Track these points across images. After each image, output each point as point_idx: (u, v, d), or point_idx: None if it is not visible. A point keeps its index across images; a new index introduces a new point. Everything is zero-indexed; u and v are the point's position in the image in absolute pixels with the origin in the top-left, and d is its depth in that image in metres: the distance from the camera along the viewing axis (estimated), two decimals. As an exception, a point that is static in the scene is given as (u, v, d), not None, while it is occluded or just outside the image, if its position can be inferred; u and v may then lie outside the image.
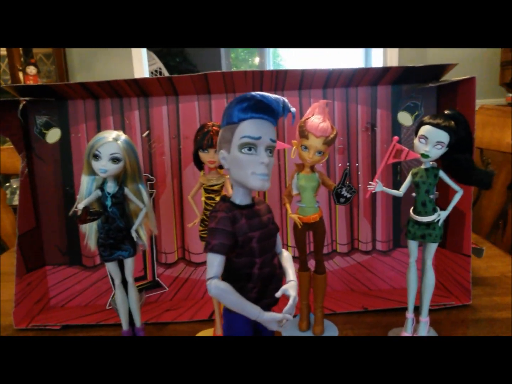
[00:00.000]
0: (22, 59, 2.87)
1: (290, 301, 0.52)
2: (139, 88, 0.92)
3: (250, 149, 0.50)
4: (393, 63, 2.71)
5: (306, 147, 0.75)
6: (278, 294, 0.53)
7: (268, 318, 0.51)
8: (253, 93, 0.49)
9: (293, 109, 0.51)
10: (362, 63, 4.46)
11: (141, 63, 2.83)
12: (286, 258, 0.59)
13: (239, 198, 0.54)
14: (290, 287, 0.54)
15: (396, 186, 0.98)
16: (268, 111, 0.50)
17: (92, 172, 0.72)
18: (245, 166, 0.51)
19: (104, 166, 0.70)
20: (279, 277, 0.56)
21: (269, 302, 0.55)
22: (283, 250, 0.60)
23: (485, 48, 2.58)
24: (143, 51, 2.89)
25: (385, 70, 0.90)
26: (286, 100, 0.51)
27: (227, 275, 0.53)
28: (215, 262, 0.50)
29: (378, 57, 3.19)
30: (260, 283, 0.53)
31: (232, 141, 0.51)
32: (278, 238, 0.58)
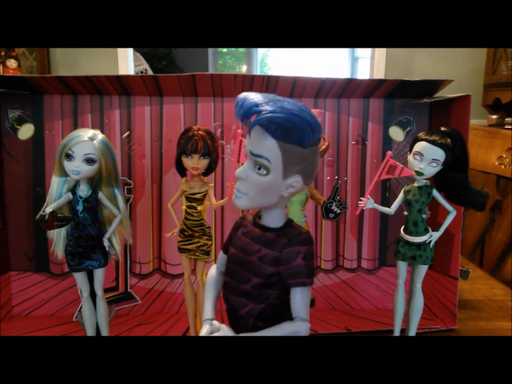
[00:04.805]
0: (2, 52, 2.76)
1: (216, 333, 0.46)
2: (121, 86, 0.86)
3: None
4: (379, 77, 2.74)
5: (295, 158, 0.71)
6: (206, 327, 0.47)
7: (202, 331, 0.47)
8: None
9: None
10: (348, 73, 4.50)
11: (126, 63, 2.77)
12: (287, 325, 0.44)
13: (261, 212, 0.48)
14: (224, 329, 0.46)
15: (385, 203, 0.95)
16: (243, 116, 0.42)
17: (63, 173, 0.67)
18: None
19: (77, 167, 0.64)
20: (240, 318, 0.47)
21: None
22: (302, 322, 0.44)
23: (468, 70, 2.62)
24: (129, 51, 2.82)
25: (380, 82, 0.87)
26: (252, 103, 0.40)
27: None
28: (220, 255, 0.53)
29: (365, 73, 3.21)
30: (224, 301, 0.50)
31: None
32: (298, 300, 0.44)
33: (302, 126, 0.40)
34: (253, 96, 0.40)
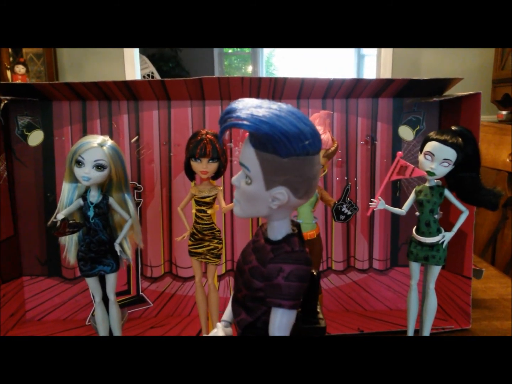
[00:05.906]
0: (11, 58, 2.79)
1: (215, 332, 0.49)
2: (129, 91, 0.87)
3: None
4: (386, 75, 2.71)
5: (305, 160, 0.70)
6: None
7: (212, 331, 0.50)
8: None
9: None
10: (354, 71, 4.48)
11: (133, 66, 2.78)
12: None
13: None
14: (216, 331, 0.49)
15: (395, 203, 0.94)
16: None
17: (74, 180, 0.67)
18: None
19: (88, 174, 0.64)
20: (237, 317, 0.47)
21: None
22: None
23: (476, 65, 2.59)
24: (136, 53, 2.83)
25: (388, 82, 0.87)
26: (229, 108, 0.39)
27: None
28: None
29: (371, 71, 3.19)
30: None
31: None
32: (273, 321, 0.42)
33: (274, 135, 0.37)
34: (236, 103, 0.39)
